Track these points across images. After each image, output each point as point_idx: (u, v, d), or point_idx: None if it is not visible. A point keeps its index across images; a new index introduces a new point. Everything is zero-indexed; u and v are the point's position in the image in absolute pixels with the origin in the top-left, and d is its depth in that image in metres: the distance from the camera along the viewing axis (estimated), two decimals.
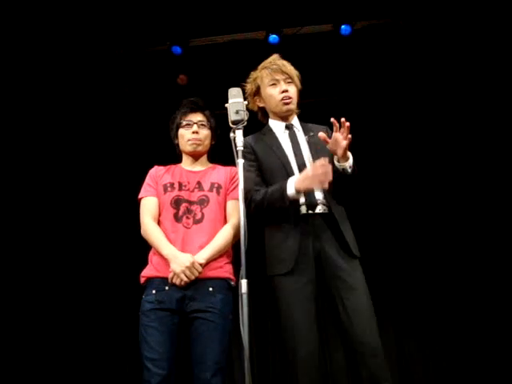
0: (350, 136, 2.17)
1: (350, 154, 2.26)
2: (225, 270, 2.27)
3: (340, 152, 2.20)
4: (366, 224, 3.79)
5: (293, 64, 2.52)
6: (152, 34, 4.16)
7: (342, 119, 2.18)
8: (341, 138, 2.18)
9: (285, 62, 2.50)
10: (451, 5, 3.95)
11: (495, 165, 4.22)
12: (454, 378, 3.93)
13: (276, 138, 2.45)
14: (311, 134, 2.41)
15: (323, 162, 2.11)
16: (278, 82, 2.46)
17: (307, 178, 2.16)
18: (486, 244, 4.11)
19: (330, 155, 2.28)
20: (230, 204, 2.36)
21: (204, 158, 2.50)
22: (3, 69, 3.90)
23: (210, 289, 2.18)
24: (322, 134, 2.23)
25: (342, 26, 4.08)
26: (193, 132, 2.41)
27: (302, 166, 2.32)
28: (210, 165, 2.51)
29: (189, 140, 2.42)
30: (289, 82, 2.46)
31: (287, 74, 2.46)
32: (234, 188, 2.36)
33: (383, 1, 4.04)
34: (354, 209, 2.47)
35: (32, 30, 3.84)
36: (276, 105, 2.47)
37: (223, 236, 2.27)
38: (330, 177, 2.12)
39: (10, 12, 3.67)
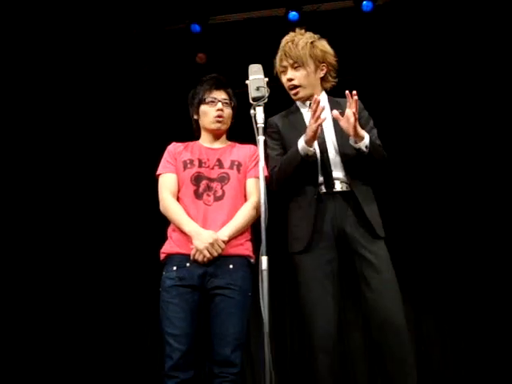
0: (354, 110, 2.11)
1: (364, 133, 2.20)
2: (245, 248, 2.28)
3: (350, 129, 2.15)
4: (387, 203, 3.76)
5: None
6: (171, 12, 4.13)
7: (354, 91, 2.13)
8: (351, 113, 2.14)
9: (294, 44, 2.36)
10: None
11: None
12: (472, 358, 3.92)
13: (301, 116, 2.43)
14: (340, 110, 2.26)
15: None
16: (285, 69, 2.40)
17: (309, 124, 2.15)
18: (507, 224, 4.04)
19: None
20: (249, 182, 2.34)
21: (224, 136, 2.48)
22: (25, 46, 3.93)
23: (231, 266, 2.19)
24: (335, 112, 2.19)
25: (364, 2, 3.98)
26: (217, 109, 2.36)
27: (322, 144, 2.30)
28: (229, 142, 2.49)
29: (214, 117, 2.37)
30: (296, 67, 2.37)
31: (293, 58, 2.35)
32: (254, 166, 2.34)
33: None
34: (380, 188, 2.43)
35: (50, 11, 3.84)
36: (288, 92, 2.44)
37: (244, 214, 2.26)
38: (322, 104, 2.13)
39: None
